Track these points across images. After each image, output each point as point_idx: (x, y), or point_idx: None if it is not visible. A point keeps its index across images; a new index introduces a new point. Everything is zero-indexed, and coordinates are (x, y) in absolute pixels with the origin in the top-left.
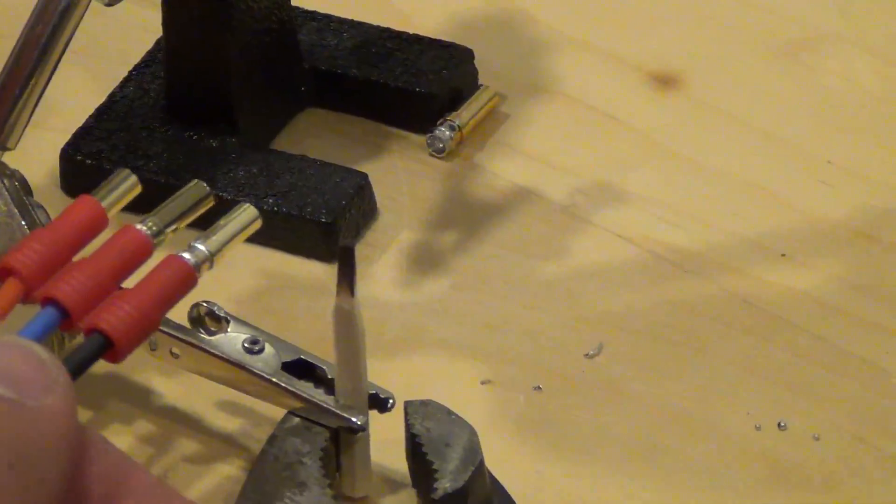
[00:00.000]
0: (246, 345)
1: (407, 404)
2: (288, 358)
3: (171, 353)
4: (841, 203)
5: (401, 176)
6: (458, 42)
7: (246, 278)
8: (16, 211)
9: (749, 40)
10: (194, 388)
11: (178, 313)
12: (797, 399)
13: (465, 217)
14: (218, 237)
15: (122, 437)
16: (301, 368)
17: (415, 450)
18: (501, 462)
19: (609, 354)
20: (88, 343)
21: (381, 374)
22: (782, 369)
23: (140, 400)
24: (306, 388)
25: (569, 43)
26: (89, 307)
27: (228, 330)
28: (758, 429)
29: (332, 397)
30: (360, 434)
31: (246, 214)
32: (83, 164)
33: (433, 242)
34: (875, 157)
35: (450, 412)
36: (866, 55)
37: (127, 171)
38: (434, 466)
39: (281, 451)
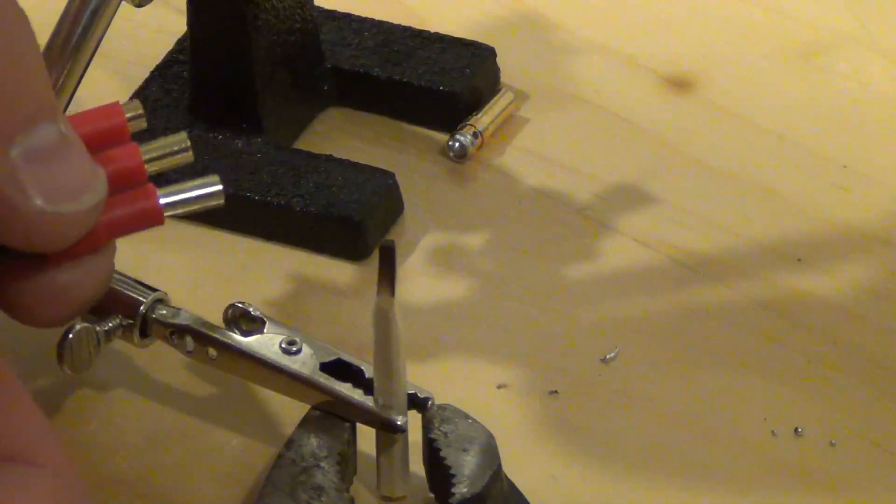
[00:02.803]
0: (283, 345)
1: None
2: (325, 358)
3: (209, 356)
4: (856, 207)
5: (421, 177)
6: None
7: (273, 278)
8: None
9: (763, 43)
10: (225, 386)
11: (215, 315)
12: (813, 404)
13: (482, 220)
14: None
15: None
16: (339, 369)
17: (432, 454)
18: (518, 466)
19: (625, 359)
20: None
21: None
22: (799, 374)
23: (169, 397)
24: (346, 389)
25: (584, 46)
26: None
27: (265, 331)
28: (774, 434)
29: (371, 398)
30: (399, 434)
31: (211, 186)
32: None
33: (451, 245)
34: (891, 161)
35: (467, 416)
36: (881, 58)
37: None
38: (451, 471)
39: (298, 454)
